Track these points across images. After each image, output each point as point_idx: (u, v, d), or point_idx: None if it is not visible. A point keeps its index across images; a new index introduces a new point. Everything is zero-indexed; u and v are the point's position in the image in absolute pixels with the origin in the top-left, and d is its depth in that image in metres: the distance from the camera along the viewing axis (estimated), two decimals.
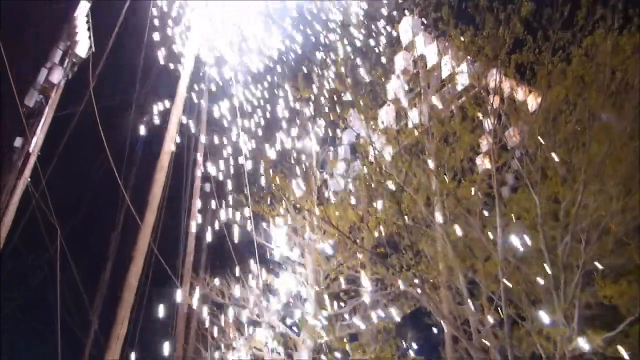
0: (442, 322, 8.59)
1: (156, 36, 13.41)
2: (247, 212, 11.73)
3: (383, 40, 13.76)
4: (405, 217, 8.75)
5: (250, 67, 15.44)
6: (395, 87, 10.73)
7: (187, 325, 12.28)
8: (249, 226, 11.61)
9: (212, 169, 14.02)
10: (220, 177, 13.90)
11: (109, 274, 14.93)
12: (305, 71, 13.62)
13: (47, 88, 9.41)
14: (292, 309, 11.28)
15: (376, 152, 8.99)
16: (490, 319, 8.02)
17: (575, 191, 7.11)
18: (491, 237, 7.86)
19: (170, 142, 10.93)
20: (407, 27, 11.03)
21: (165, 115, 11.73)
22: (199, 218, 13.57)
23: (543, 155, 7.42)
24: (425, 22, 10.98)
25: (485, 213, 8.31)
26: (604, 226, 7.06)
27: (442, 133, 8.90)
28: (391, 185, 8.84)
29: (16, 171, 9.23)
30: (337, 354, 10.49)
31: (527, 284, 8.02)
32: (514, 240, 7.61)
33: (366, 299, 10.52)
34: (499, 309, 7.67)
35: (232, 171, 13.82)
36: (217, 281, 11.68)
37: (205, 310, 11.57)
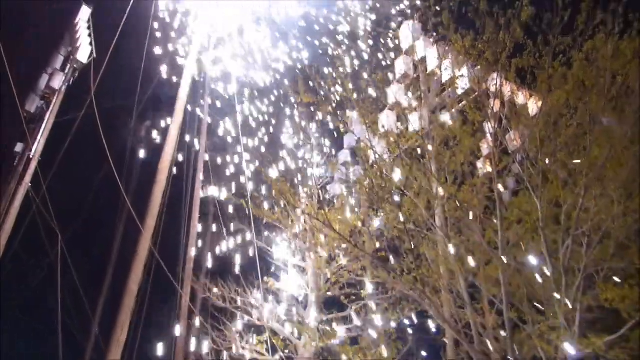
0: (443, 325, 8.60)
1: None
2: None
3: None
4: (406, 221, 8.76)
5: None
6: (396, 91, 10.74)
7: (188, 328, 12.24)
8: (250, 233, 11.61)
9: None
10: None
11: (110, 278, 14.90)
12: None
13: (48, 94, 9.42)
14: (293, 313, 11.28)
15: (377, 156, 9.00)
16: (492, 323, 8.04)
17: (577, 195, 7.12)
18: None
19: (171, 146, 10.95)
20: (408, 32, 11.05)
21: (167, 119, 11.72)
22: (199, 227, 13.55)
23: (544, 159, 7.42)
24: (425, 26, 11.01)
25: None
26: (605, 230, 7.07)
27: (442, 137, 8.91)
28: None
29: (17, 176, 9.22)
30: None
31: (528, 288, 8.04)
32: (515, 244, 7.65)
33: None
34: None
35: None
36: (218, 285, 11.67)
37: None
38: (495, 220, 7.63)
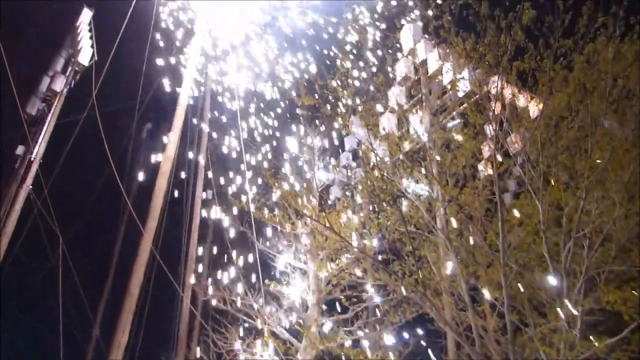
0: (444, 328, 8.60)
1: (160, 50, 13.46)
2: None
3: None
4: (407, 224, 8.76)
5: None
6: (397, 93, 10.76)
7: (189, 332, 12.25)
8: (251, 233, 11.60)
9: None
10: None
11: (111, 280, 14.91)
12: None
13: (50, 96, 9.43)
14: (294, 316, 11.27)
15: (378, 159, 9.01)
16: (493, 325, 8.04)
17: (578, 197, 7.13)
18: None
19: (172, 148, 10.96)
20: (409, 34, 11.07)
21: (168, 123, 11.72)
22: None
23: (545, 161, 7.43)
24: (426, 29, 11.02)
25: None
26: (607, 232, 7.07)
27: (443, 140, 8.93)
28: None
29: (18, 179, 9.23)
30: None
31: (530, 290, 8.04)
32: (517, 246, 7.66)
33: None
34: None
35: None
36: (219, 287, 11.66)
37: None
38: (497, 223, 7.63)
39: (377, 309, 11.33)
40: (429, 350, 10.28)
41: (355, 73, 13.70)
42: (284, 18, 16.12)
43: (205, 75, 15.30)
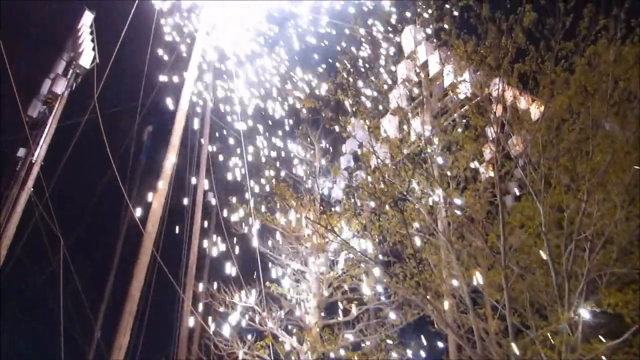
0: (445, 330, 8.59)
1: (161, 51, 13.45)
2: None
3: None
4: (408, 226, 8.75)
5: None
6: (398, 96, 10.76)
7: (189, 335, 12.24)
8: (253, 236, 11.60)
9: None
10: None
11: (112, 283, 14.93)
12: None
13: (51, 99, 9.46)
14: (294, 318, 11.27)
15: (379, 161, 9.00)
16: (494, 328, 8.03)
17: (579, 200, 7.11)
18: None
19: (173, 151, 10.95)
20: (410, 36, 11.08)
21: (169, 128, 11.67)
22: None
23: (546, 164, 7.42)
24: (427, 31, 11.02)
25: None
26: (608, 235, 7.06)
27: (445, 142, 8.92)
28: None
29: (19, 181, 9.25)
30: None
31: (531, 293, 8.03)
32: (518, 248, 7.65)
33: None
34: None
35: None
36: (220, 290, 11.66)
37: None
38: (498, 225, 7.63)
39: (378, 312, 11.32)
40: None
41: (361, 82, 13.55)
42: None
43: (207, 85, 15.28)
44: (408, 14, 12.47)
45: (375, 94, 12.42)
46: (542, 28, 7.75)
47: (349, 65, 13.06)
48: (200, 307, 12.16)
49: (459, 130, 9.07)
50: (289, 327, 11.30)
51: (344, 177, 11.66)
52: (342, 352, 10.56)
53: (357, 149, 10.82)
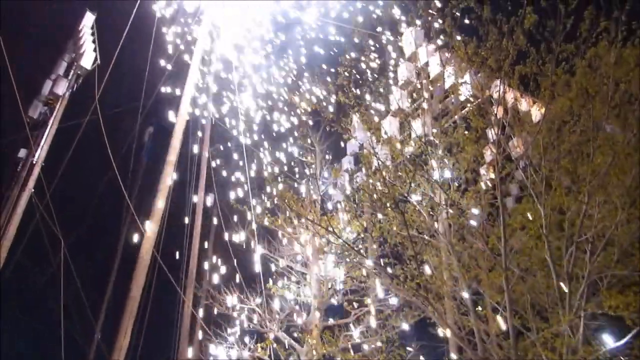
0: (446, 332, 8.58)
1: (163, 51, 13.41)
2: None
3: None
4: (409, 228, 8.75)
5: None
6: (398, 97, 10.76)
7: (190, 335, 12.22)
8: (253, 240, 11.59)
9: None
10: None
11: (112, 284, 14.92)
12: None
13: (52, 99, 9.46)
14: (295, 320, 11.26)
15: (380, 163, 9.00)
16: (495, 330, 8.02)
17: (580, 202, 7.11)
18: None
19: (174, 152, 10.95)
20: (410, 38, 11.09)
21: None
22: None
23: (547, 165, 7.42)
24: (428, 33, 11.02)
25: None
26: (609, 237, 7.05)
27: (445, 144, 8.93)
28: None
29: (20, 182, 9.25)
30: None
31: (532, 294, 8.02)
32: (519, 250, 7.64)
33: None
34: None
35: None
36: (220, 291, 11.66)
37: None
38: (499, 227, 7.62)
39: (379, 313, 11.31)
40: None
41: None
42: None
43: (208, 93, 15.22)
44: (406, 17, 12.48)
45: (377, 96, 12.36)
46: (543, 30, 7.76)
47: (349, 68, 13.08)
48: (201, 308, 12.15)
49: (460, 132, 9.07)
50: (290, 328, 11.29)
51: (345, 179, 11.67)
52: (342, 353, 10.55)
53: (357, 150, 10.83)
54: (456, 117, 9.63)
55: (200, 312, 12.16)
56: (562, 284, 7.02)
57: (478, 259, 8.40)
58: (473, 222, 8.56)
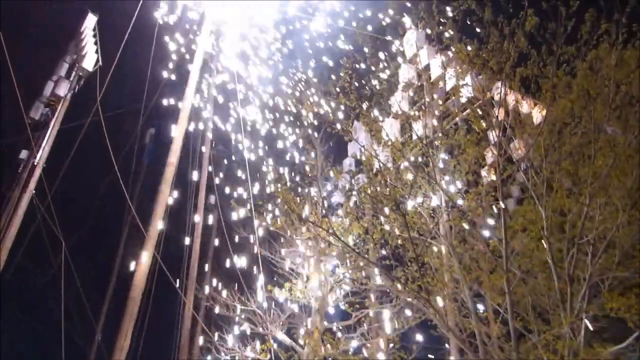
0: (447, 334, 8.57)
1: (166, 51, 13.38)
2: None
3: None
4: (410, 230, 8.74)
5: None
6: (400, 99, 10.78)
7: (191, 336, 12.21)
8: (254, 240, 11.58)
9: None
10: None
11: (113, 285, 14.92)
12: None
13: (54, 101, 9.49)
14: (296, 322, 11.24)
15: (381, 165, 9.01)
16: (496, 332, 8.01)
17: (581, 204, 7.11)
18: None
19: (175, 155, 10.95)
20: (412, 40, 11.11)
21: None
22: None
23: (548, 167, 7.43)
24: (429, 35, 11.04)
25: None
26: (610, 239, 7.05)
27: (447, 145, 8.94)
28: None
29: (21, 183, 9.26)
30: None
31: (534, 297, 8.01)
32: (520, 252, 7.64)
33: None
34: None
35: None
36: (221, 293, 11.64)
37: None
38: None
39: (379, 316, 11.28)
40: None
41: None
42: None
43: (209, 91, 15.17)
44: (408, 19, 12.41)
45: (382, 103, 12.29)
46: (544, 32, 7.78)
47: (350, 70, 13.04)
48: (202, 310, 12.14)
49: (461, 134, 9.08)
50: (291, 330, 11.27)
51: (346, 181, 11.66)
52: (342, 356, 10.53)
53: (359, 152, 10.84)
54: (457, 119, 9.64)
55: (201, 314, 12.14)
56: (563, 285, 7.01)
57: (479, 261, 8.39)
58: (474, 224, 8.56)
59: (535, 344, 7.44)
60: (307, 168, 13.04)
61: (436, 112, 9.93)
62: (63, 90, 9.44)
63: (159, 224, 9.47)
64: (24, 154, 9.57)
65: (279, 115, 15.24)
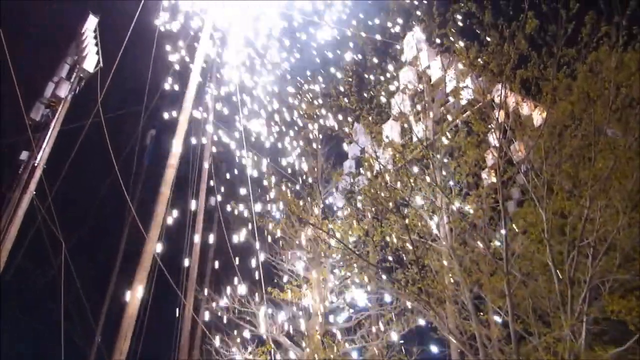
0: (448, 337, 8.55)
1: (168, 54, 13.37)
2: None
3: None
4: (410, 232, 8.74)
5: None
6: (400, 101, 10.78)
7: (191, 340, 12.19)
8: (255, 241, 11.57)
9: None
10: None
11: (113, 286, 14.91)
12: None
13: (54, 102, 9.50)
14: (297, 324, 11.22)
15: (381, 167, 9.01)
16: (497, 334, 7.99)
17: (582, 206, 7.10)
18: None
19: (175, 157, 10.96)
20: (412, 42, 11.12)
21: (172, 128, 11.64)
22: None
23: (549, 169, 7.42)
24: (430, 37, 11.05)
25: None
26: (611, 241, 7.04)
27: (447, 148, 8.93)
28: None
29: (22, 184, 9.27)
30: None
31: (534, 299, 8.00)
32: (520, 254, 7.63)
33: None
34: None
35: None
36: (222, 295, 11.63)
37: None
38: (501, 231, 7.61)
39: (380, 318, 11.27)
40: None
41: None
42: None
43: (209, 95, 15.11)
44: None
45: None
46: (544, 35, 7.79)
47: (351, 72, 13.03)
48: (202, 312, 12.12)
49: (461, 136, 9.08)
50: (291, 333, 11.25)
51: (346, 183, 11.65)
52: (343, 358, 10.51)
53: (359, 154, 10.84)
54: (457, 121, 9.64)
55: (201, 316, 12.12)
56: (563, 288, 7.00)
57: (479, 263, 8.38)
58: (474, 227, 8.54)
59: (535, 346, 7.42)
60: (306, 169, 13.01)
61: (436, 114, 9.92)
62: (64, 91, 9.45)
63: (159, 222, 9.48)
64: (24, 154, 9.58)
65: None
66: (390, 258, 9.81)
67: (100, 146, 10.03)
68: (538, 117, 8.21)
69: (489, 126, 8.34)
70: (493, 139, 8.13)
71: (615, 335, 7.45)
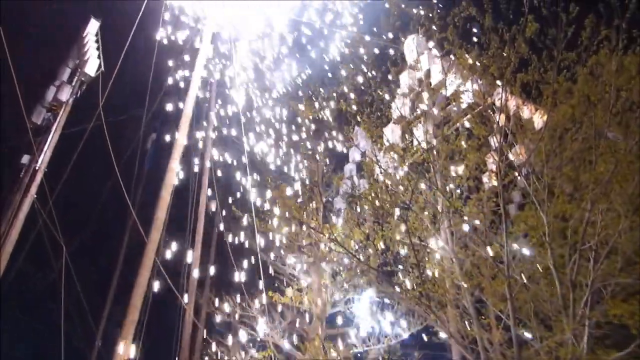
0: (449, 341, 8.53)
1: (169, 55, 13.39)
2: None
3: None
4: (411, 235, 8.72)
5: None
6: (401, 105, 10.79)
7: (191, 343, 12.16)
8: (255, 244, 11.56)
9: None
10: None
11: (114, 290, 14.90)
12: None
13: (55, 105, 9.51)
14: (297, 328, 11.20)
15: (382, 171, 9.01)
16: (498, 338, 7.96)
17: (583, 209, 7.09)
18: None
19: (175, 162, 10.97)
20: (412, 46, 11.14)
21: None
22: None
23: (549, 173, 7.41)
24: (430, 41, 11.07)
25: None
26: (612, 244, 7.02)
27: (448, 151, 8.93)
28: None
29: (22, 188, 9.27)
30: None
31: (535, 303, 7.96)
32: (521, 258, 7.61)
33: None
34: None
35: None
36: (222, 299, 11.62)
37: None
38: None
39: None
40: None
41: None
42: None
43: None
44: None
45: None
46: (545, 38, 7.79)
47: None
48: (203, 316, 12.09)
49: (462, 139, 9.08)
50: (291, 336, 11.22)
51: (347, 187, 11.65)
52: None
53: (360, 158, 10.84)
54: (458, 124, 9.64)
55: (202, 320, 12.10)
56: (565, 292, 6.97)
57: (481, 267, 8.36)
58: (475, 230, 8.53)
59: (537, 350, 7.39)
60: (307, 174, 13.02)
61: (437, 118, 9.93)
62: (65, 95, 9.47)
63: (160, 225, 9.48)
64: (25, 158, 9.58)
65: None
66: (391, 262, 9.78)
67: (101, 150, 10.04)
68: (539, 120, 8.21)
69: (490, 129, 8.34)
70: (494, 142, 8.13)
71: (617, 339, 7.40)
